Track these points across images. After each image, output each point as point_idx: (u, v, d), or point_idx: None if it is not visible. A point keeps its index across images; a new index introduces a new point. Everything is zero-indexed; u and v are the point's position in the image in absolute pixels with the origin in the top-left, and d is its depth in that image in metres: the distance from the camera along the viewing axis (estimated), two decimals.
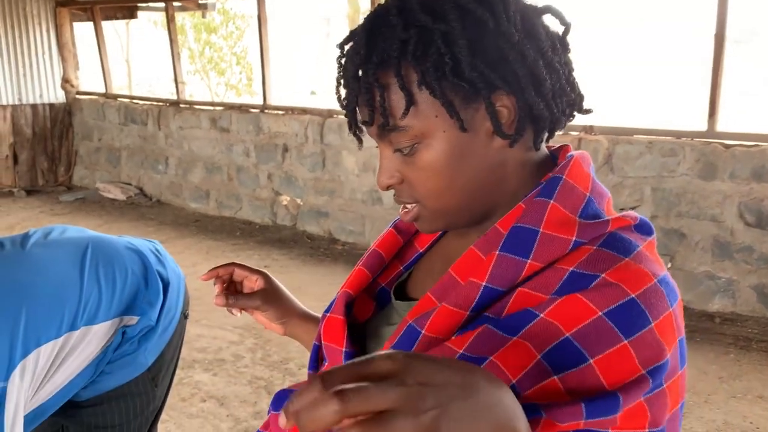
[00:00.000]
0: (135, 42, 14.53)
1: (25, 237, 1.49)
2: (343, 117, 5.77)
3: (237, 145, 6.39)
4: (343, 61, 0.73)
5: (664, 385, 0.64)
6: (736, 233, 4.02)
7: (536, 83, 0.69)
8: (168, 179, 7.12)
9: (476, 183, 0.71)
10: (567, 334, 0.61)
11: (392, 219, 0.82)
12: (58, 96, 7.90)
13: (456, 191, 0.71)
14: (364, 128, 0.75)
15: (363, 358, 0.44)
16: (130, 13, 8.00)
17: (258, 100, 6.63)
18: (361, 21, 0.72)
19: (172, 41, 6.95)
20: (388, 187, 0.74)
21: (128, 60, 14.03)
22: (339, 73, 0.73)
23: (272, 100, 6.23)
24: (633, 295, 0.62)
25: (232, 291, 0.99)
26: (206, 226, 6.35)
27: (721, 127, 4.14)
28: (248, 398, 3.16)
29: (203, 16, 12.31)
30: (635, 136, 4.35)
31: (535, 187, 0.72)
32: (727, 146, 4.02)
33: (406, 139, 0.70)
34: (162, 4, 7.19)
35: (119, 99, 7.69)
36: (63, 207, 7.12)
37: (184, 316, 1.72)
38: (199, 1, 7.41)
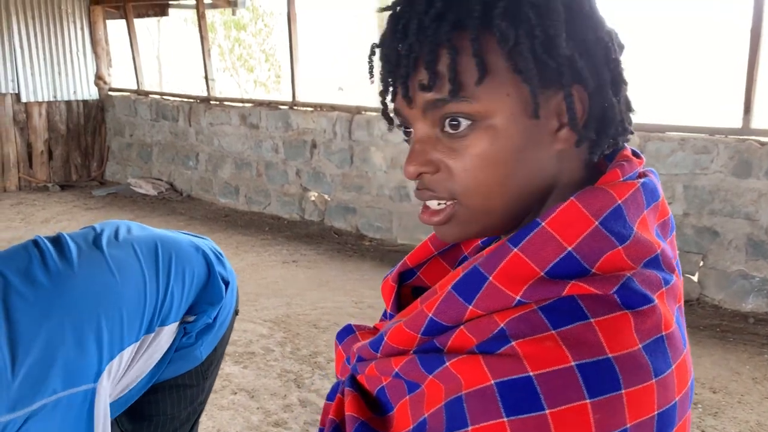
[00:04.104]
0: (166, 39, 14.72)
1: (95, 235, 1.49)
2: (371, 114, 5.84)
3: (266, 141, 6.44)
4: (404, 14, 0.61)
5: None
6: None
7: (615, 84, 0.62)
8: (198, 175, 7.21)
9: (529, 185, 0.62)
10: (462, 392, 0.57)
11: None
12: (91, 93, 8.05)
13: (507, 190, 0.62)
14: (402, 105, 0.64)
15: None
16: (162, 11, 8.10)
17: (287, 97, 6.67)
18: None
19: (203, 38, 7.02)
20: (418, 176, 0.63)
21: (159, 57, 14.22)
22: (395, 28, 0.62)
23: (301, 97, 6.27)
24: (531, 374, 0.55)
25: None
26: (235, 221, 6.42)
27: (756, 123, 4.06)
28: (278, 391, 3.19)
29: (233, 14, 12.42)
30: (667, 132, 4.29)
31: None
32: (763, 143, 3.94)
33: (465, 114, 0.59)
34: (193, 2, 7.27)
35: (150, 95, 7.81)
36: (96, 201, 7.25)
37: (235, 312, 1.77)
38: None
